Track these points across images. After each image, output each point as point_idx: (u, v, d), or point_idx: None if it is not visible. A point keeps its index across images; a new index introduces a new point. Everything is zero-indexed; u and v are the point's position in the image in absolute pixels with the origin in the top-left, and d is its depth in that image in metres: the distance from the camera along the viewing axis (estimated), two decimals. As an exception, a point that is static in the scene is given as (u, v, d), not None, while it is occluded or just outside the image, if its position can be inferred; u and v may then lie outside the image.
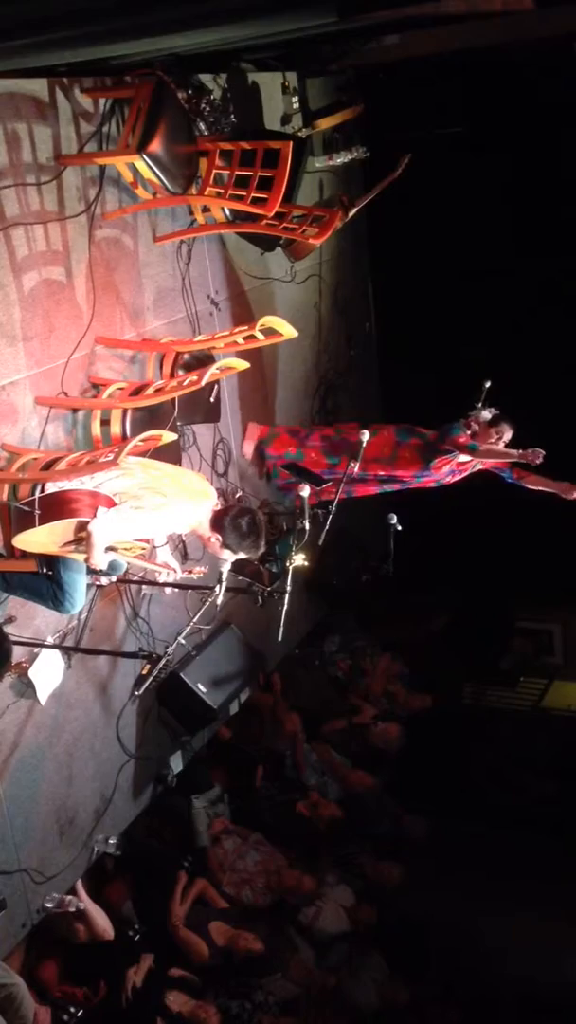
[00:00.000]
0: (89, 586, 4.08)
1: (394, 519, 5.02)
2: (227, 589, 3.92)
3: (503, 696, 8.43)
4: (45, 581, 3.76)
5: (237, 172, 4.77)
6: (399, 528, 5.02)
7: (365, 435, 5.20)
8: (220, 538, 3.69)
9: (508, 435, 5.31)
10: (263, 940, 5.15)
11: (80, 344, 4.45)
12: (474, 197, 6.94)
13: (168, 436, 3.62)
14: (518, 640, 8.45)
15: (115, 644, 4.88)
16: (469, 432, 5.34)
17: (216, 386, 5.06)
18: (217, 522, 3.69)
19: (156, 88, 4.34)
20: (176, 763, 5.40)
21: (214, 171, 4.84)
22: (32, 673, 4.19)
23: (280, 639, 4.57)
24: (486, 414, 5.30)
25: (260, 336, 4.22)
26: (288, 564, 4.41)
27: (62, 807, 4.55)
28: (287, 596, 4.42)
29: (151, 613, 5.09)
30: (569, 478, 5.80)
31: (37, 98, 4.16)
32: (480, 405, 5.33)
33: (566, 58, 6.14)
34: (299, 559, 4.45)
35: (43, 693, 4.28)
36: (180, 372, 4.66)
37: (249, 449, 6.06)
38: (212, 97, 5.20)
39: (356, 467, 5.26)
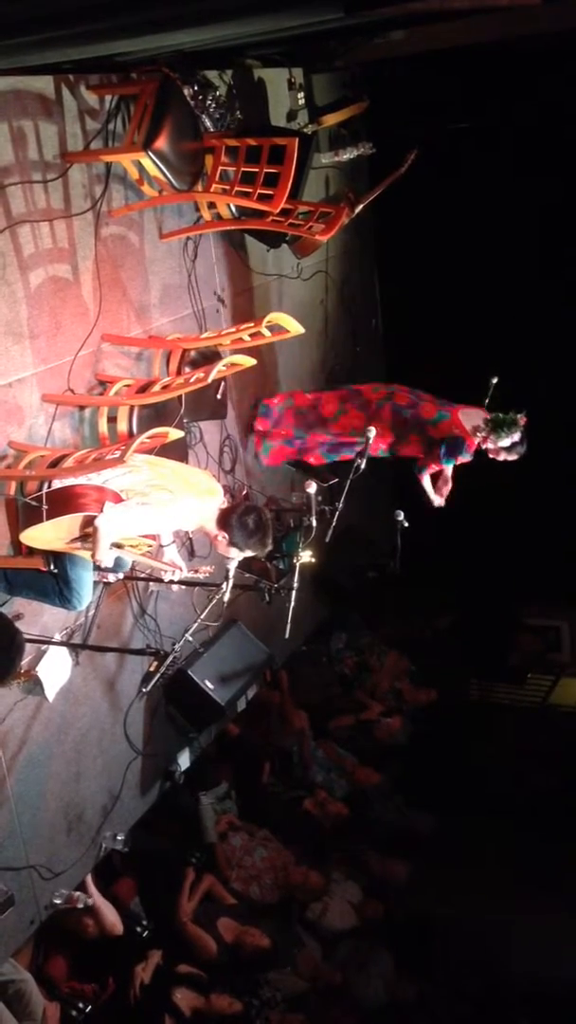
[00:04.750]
0: (96, 583, 4.08)
1: (401, 516, 5.02)
2: (234, 586, 3.92)
3: (510, 693, 8.43)
4: (50, 579, 3.77)
5: (243, 169, 4.77)
6: (406, 525, 5.02)
7: (372, 432, 5.19)
8: (227, 536, 3.69)
9: (511, 459, 5.33)
10: (270, 936, 5.15)
11: (86, 341, 4.45)
12: (481, 192, 6.92)
13: (175, 433, 3.63)
14: (526, 637, 8.45)
15: (122, 641, 4.89)
16: (476, 432, 5.32)
17: (223, 383, 5.05)
18: (224, 520, 3.69)
19: (162, 85, 4.33)
20: (183, 760, 5.40)
21: (220, 168, 4.84)
22: (40, 670, 4.20)
23: (287, 636, 4.56)
24: (506, 442, 5.23)
25: (266, 333, 4.22)
26: (295, 561, 4.41)
27: (70, 804, 4.56)
28: (294, 593, 4.43)
29: (158, 610, 5.10)
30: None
31: (43, 95, 4.16)
32: (507, 426, 5.23)
33: (573, 52, 6.12)
34: (306, 556, 4.45)
35: (51, 690, 4.28)
36: (187, 369, 4.66)
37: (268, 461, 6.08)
38: (218, 93, 5.19)
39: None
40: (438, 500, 5.53)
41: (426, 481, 5.48)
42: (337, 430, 5.69)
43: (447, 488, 5.55)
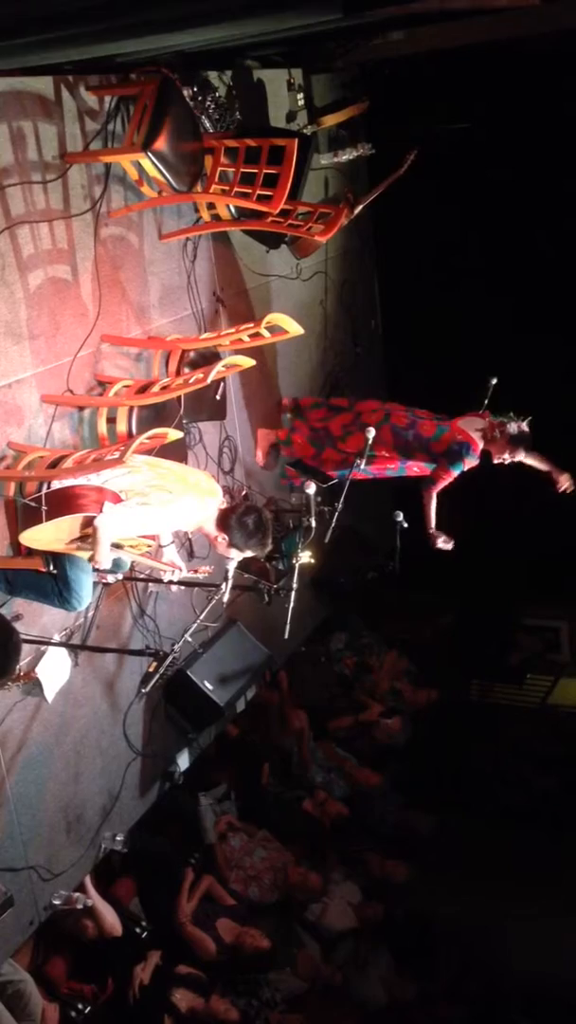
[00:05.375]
0: (95, 584, 4.08)
1: (400, 516, 5.02)
2: (233, 587, 3.92)
3: (509, 693, 8.43)
4: (50, 579, 3.77)
5: (242, 169, 4.78)
6: (405, 525, 5.03)
7: (371, 433, 5.20)
8: (227, 537, 3.69)
9: (517, 459, 5.30)
10: (270, 937, 5.16)
11: (86, 342, 4.45)
12: (480, 193, 6.92)
13: (174, 434, 3.63)
14: (525, 637, 8.45)
15: (122, 642, 4.88)
16: (483, 437, 5.32)
17: (222, 384, 5.06)
18: (223, 521, 3.70)
19: (161, 85, 4.34)
20: (183, 760, 5.40)
21: (219, 168, 4.84)
22: (39, 671, 4.20)
23: (286, 636, 4.57)
24: (513, 428, 5.23)
25: (266, 333, 4.22)
26: (294, 562, 4.41)
27: (69, 804, 4.56)
28: (293, 594, 4.43)
29: (158, 611, 5.10)
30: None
31: (43, 96, 4.16)
32: (513, 415, 5.26)
33: (573, 52, 6.12)
34: (305, 556, 4.46)
35: (50, 691, 4.28)
36: (186, 370, 4.66)
37: (262, 457, 6.08)
38: (217, 94, 5.19)
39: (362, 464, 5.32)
40: (441, 541, 5.38)
41: (432, 503, 5.38)
42: (347, 448, 5.77)
43: (567, 479, 5.34)
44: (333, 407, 6.06)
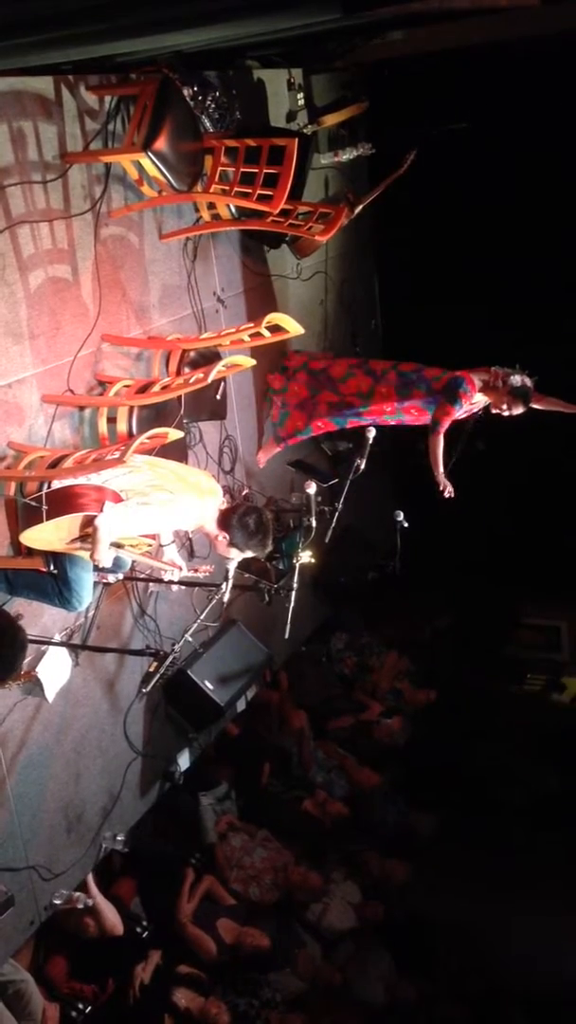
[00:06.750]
0: (96, 584, 4.08)
1: (401, 516, 5.02)
2: (234, 586, 3.93)
3: (510, 692, 8.43)
4: (50, 579, 3.77)
5: (242, 169, 4.78)
6: (406, 525, 5.02)
7: (371, 433, 5.19)
8: (227, 537, 3.69)
9: (515, 412, 5.24)
10: (270, 937, 5.16)
11: (86, 342, 4.45)
12: (480, 193, 6.92)
13: (174, 434, 3.63)
14: (525, 636, 8.46)
15: (122, 642, 4.89)
16: (482, 382, 5.25)
17: (222, 383, 5.06)
18: (224, 521, 3.70)
19: (161, 85, 4.34)
20: (183, 760, 5.40)
21: (219, 168, 4.84)
22: (39, 671, 4.20)
23: (287, 636, 4.57)
24: (517, 379, 5.12)
25: (266, 333, 4.22)
26: (295, 561, 4.42)
27: (70, 804, 4.56)
28: (294, 593, 4.43)
29: (158, 611, 5.10)
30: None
31: (43, 96, 4.16)
32: (519, 366, 5.20)
33: (573, 53, 6.12)
34: (306, 556, 4.46)
35: (50, 691, 4.28)
36: (186, 370, 4.67)
37: (264, 459, 6.08)
38: (217, 94, 5.19)
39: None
40: (447, 487, 5.30)
41: (439, 447, 5.27)
42: (345, 390, 5.76)
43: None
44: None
